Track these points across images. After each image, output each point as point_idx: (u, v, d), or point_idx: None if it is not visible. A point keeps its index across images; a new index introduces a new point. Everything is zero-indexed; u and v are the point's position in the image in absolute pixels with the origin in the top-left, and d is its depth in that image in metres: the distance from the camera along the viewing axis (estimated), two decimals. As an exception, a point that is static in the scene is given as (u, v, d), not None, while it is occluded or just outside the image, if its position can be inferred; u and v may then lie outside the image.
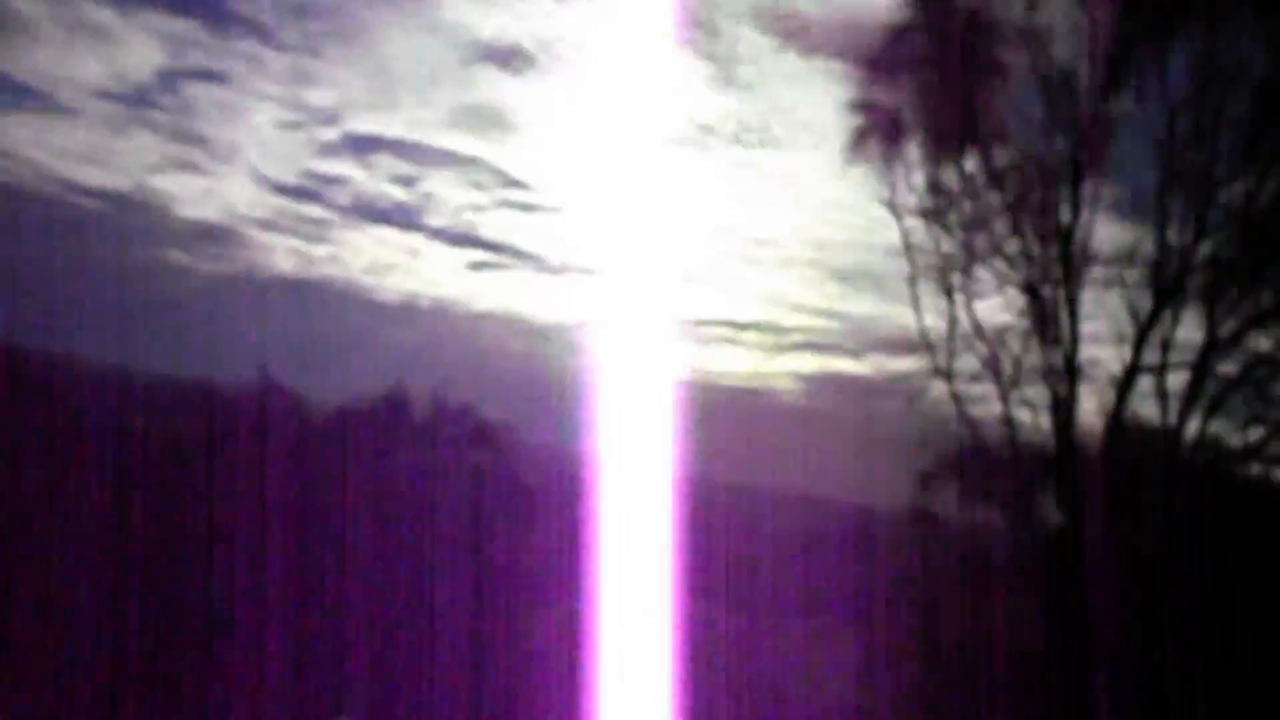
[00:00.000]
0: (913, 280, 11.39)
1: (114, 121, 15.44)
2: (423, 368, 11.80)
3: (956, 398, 11.10)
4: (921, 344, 11.35)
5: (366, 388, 11.20)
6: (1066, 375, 10.73)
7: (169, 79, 16.68)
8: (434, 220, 17.38)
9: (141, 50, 16.01)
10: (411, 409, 11.42)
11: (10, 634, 8.41)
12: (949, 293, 11.28)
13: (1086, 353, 10.59)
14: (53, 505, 9.00)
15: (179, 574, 9.53)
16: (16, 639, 8.37)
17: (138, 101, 16.45)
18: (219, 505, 9.98)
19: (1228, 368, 10.49)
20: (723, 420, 12.15)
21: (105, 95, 15.69)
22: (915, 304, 11.39)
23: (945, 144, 11.50)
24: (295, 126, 17.30)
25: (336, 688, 9.62)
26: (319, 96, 16.91)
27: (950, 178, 11.50)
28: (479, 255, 18.08)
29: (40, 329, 9.81)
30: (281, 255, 15.63)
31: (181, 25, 16.98)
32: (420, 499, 11.24)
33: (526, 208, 17.94)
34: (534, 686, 10.24)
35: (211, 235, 14.58)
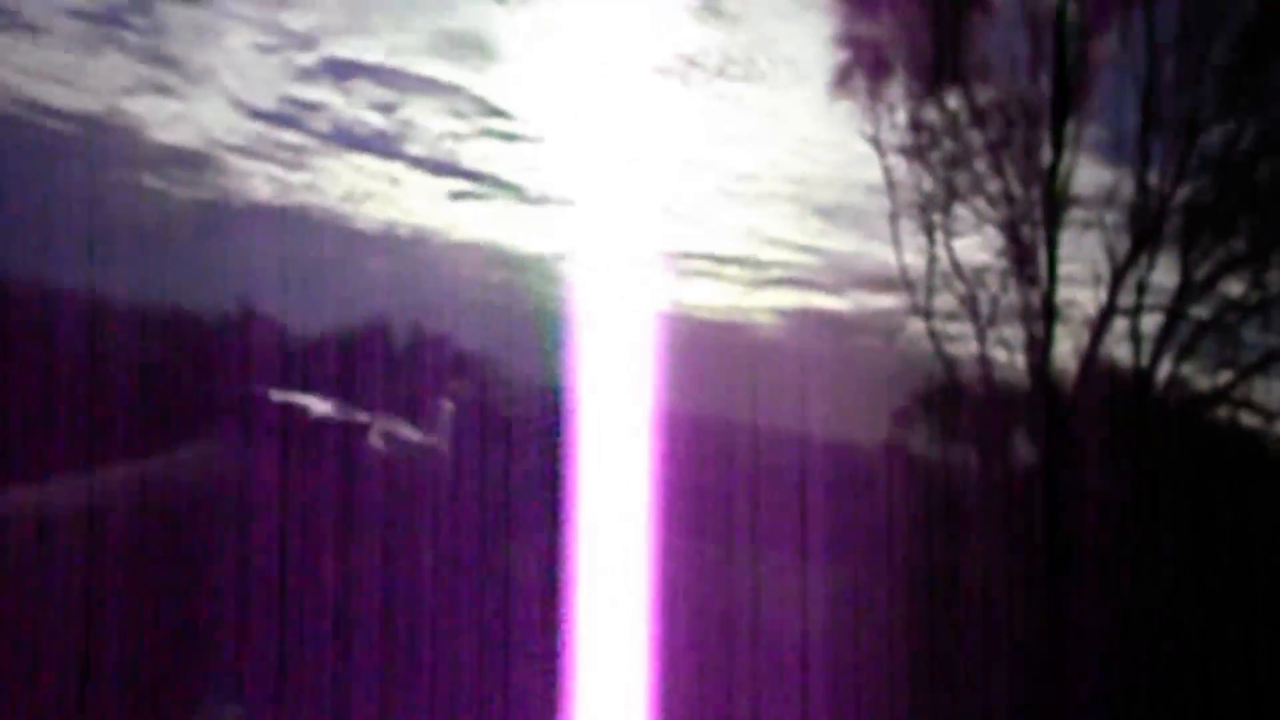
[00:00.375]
0: (894, 217, 11.45)
1: (85, 41, 15.02)
2: (402, 296, 11.72)
3: (934, 335, 11.23)
4: (900, 281, 11.45)
5: (345, 315, 11.12)
6: (1043, 315, 10.86)
7: (142, -1, 16.25)
8: (413, 148, 17.14)
9: (111, -32, 15.60)
10: (391, 337, 11.37)
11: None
12: (929, 231, 11.36)
13: (1064, 294, 10.73)
14: (36, 430, 8.95)
15: (171, 499, 9.51)
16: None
17: (110, 20, 15.96)
18: (201, 429, 9.95)
19: (1200, 311, 10.69)
20: (702, 354, 12.20)
21: (76, 14, 15.26)
22: (896, 241, 11.46)
23: (929, 80, 11.49)
24: (272, 50, 16.90)
25: (314, 623, 9.69)
26: (296, 20, 16.52)
27: (933, 115, 11.52)
28: (459, 184, 17.87)
29: (11, 255, 9.64)
30: (258, 181, 15.36)
31: None
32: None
33: (507, 137, 17.72)
34: (513, 619, 10.38)
35: (186, 160, 14.29)
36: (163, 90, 16.17)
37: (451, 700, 9.40)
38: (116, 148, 12.96)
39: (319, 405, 10.68)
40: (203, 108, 16.28)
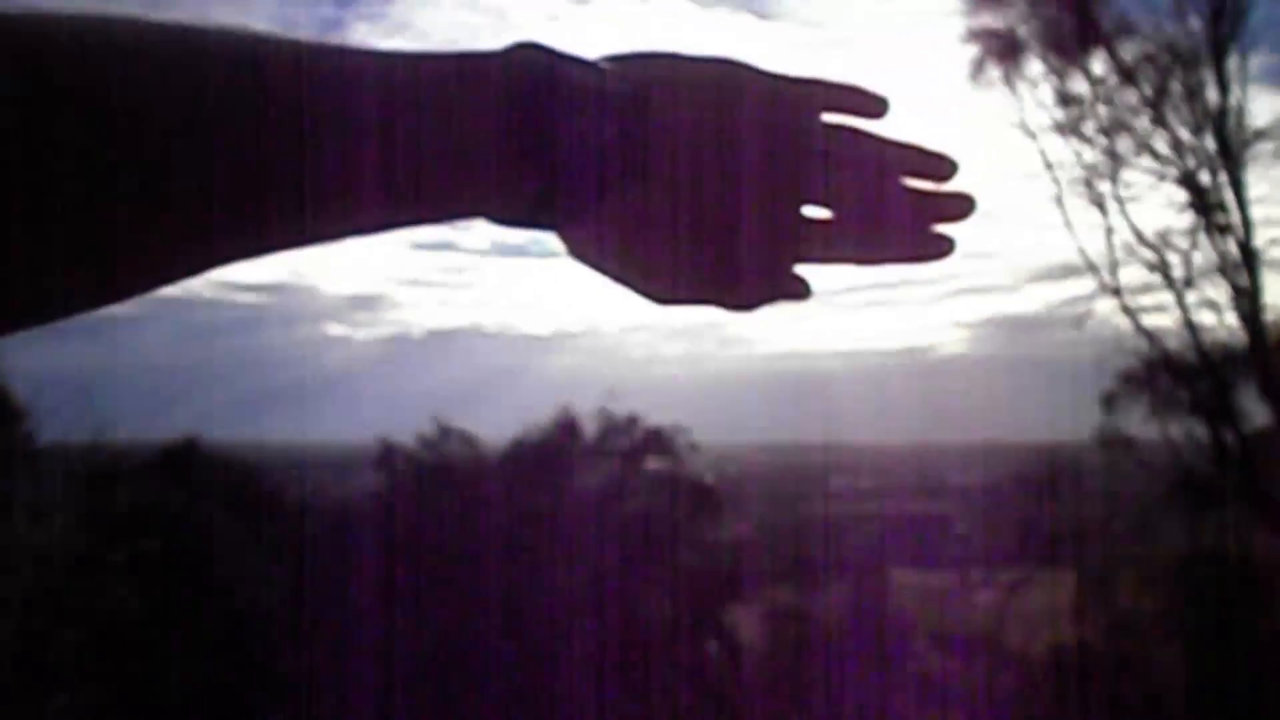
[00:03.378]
0: (1059, 199, 10.91)
1: None
2: (584, 388, 11.99)
3: (1129, 311, 10.58)
4: (1082, 264, 10.87)
5: (533, 417, 11.44)
6: (1244, 263, 10.10)
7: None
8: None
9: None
10: (580, 428, 11.60)
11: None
12: (1099, 204, 10.77)
13: (1264, 235, 9.93)
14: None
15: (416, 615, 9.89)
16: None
17: None
18: (424, 551, 10.36)
19: None
20: (886, 384, 11.92)
21: None
22: (1067, 223, 10.91)
23: (1068, 51, 10.99)
24: None
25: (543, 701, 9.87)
26: None
27: (1080, 86, 10.99)
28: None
29: (227, 421, 10.41)
30: (430, 308, 16.22)
31: None
32: (605, 513, 11.43)
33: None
34: (748, 687, 10.28)
35: (362, 304, 15.24)
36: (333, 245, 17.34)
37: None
38: (301, 306, 13.89)
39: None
40: (371, 252, 17.22)
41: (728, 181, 0.59)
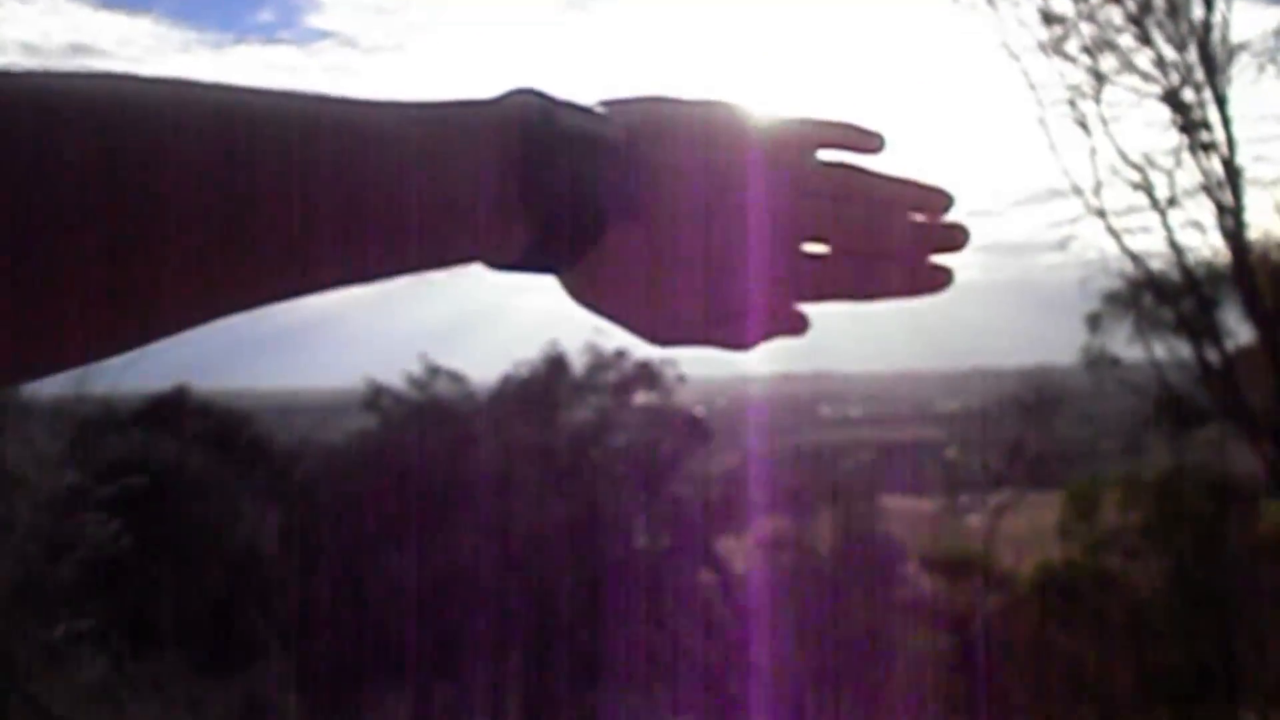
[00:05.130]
0: (1042, 121, 10.82)
1: None
2: (571, 324, 11.99)
3: (1114, 233, 10.54)
4: (1066, 186, 10.81)
5: (522, 354, 11.47)
6: (1228, 181, 10.04)
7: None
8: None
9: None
10: (569, 363, 11.63)
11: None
12: (1083, 124, 10.68)
13: (1247, 151, 9.87)
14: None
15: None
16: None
17: None
18: (416, 488, 10.43)
19: None
20: (871, 311, 11.91)
21: None
22: (1051, 144, 10.83)
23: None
24: None
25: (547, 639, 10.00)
26: (415, 89, 17.62)
27: (1063, 3, 10.85)
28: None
29: (215, 369, 10.43)
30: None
31: (276, 53, 17.89)
32: (595, 446, 11.50)
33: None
34: (742, 616, 10.42)
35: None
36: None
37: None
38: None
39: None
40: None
41: (726, 222, 0.59)
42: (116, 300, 0.46)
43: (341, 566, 9.63)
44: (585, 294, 0.61)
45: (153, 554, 8.46)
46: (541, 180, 0.54)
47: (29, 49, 15.12)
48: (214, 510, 8.97)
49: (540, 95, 0.55)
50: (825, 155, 0.63)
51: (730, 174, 0.59)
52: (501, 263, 0.57)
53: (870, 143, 0.64)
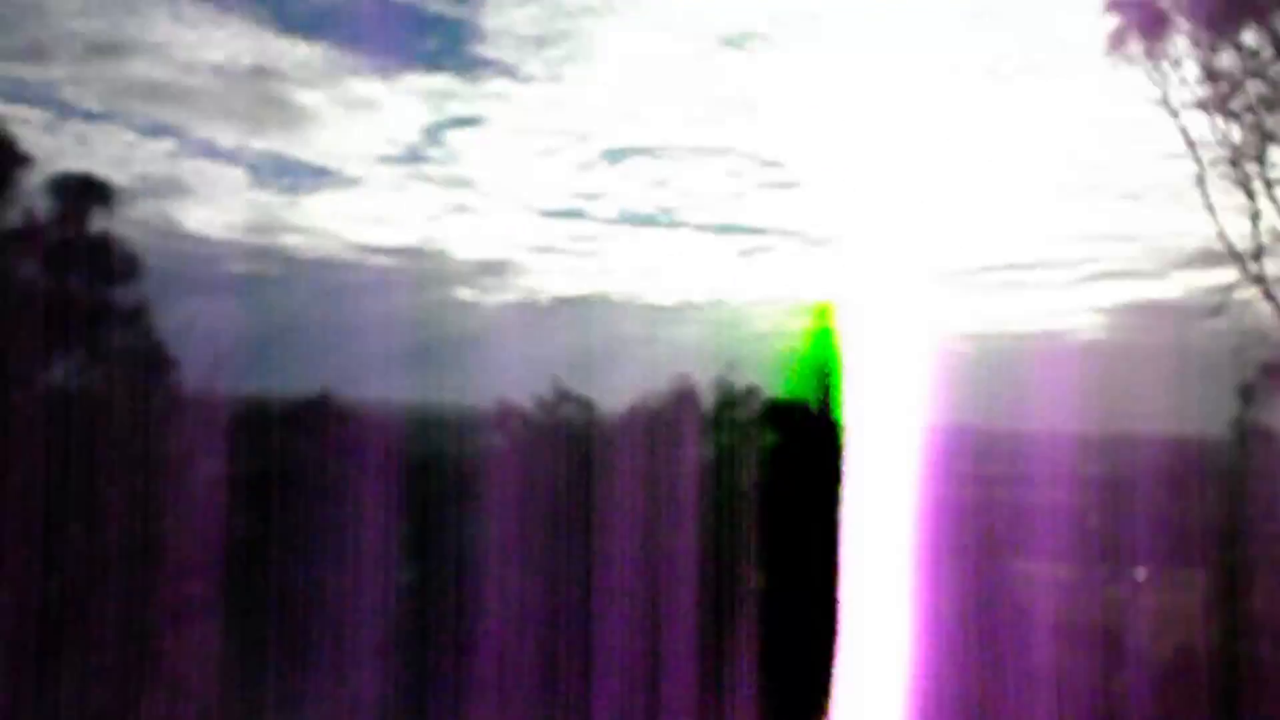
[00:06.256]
0: (1200, 180, 10.34)
1: (394, 181, 17.37)
2: (706, 359, 12.07)
3: (1273, 299, 9.96)
4: (1226, 249, 10.27)
5: (653, 386, 11.63)
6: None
7: (434, 132, 18.57)
8: (695, 215, 17.96)
9: (407, 111, 17.95)
10: (697, 398, 11.73)
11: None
12: (1245, 185, 10.16)
13: None
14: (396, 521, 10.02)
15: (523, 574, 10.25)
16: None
17: (410, 159, 18.41)
18: (539, 509, 10.68)
19: None
20: (1018, 368, 11.57)
21: (383, 159, 17.76)
22: (1208, 206, 10.34)
23: (1216, 23, 10.39)
24: (552, 152, 18.57)
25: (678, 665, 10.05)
26: (568, 119, 18.04)
27: (1228, 60, 10.38)
28: (744, 241, 18.44)
29: (355, 379, 10.96)
30: (558, 275, 16.75)
31: (438, 80, 18.78)
32: (720, 482, 11.52)
33: (783, 186, 18.11)
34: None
35: (491, 269, 15.83)
36: (464, 210, 17.99)
37: None
38: (431, 270, 14.47)
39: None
40: (499, 219, 17.90)
41: None
42: None
43: (457, 581, 9.95)
44: None
45: (276, 544, 8.98)
46: None
47: (217, 70, 16.36)
48: (334, 512, 9.42)
49: None
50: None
51: None
52: None
53: None
